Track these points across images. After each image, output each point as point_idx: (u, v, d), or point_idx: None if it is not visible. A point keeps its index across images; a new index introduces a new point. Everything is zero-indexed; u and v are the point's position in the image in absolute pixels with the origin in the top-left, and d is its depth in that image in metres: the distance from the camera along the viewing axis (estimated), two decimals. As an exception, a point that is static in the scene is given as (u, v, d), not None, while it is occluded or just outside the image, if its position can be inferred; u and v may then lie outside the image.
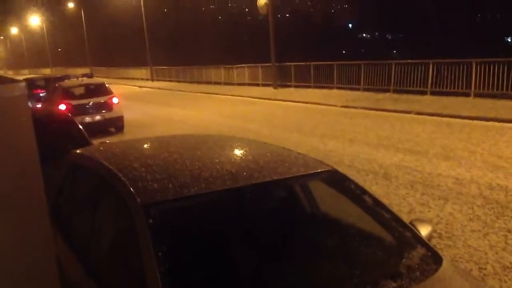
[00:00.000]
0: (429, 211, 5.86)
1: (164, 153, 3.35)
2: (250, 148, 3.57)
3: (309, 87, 22.77)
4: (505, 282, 4.17)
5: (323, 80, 22.25)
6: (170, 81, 38.17)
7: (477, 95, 15.50)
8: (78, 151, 3.80)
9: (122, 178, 2.75)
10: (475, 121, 12.26)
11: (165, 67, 40.93)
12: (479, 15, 55.98)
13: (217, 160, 3.09)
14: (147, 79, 41.57)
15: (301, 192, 3.36)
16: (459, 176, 7.29)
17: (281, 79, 24.65)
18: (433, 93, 16.91)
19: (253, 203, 2.91)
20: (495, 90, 15.18)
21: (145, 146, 3.90)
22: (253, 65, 28.17)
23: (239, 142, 3.81)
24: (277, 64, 24.84)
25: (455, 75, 16.41)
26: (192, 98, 24.93)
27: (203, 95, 26.25)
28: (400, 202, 6.24)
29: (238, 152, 3.47)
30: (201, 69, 34.57)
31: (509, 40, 63.09)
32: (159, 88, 33.78)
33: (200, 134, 4.48)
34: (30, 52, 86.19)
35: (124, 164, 3.00)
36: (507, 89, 14.87)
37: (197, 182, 2.68)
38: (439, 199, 6.29)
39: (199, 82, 33.42)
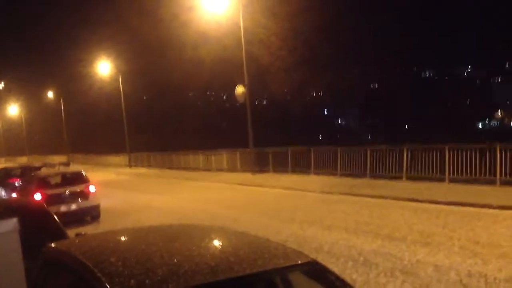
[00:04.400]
0: (410, 300, 5.79)
1: (141, 245, 3.31)
2: (230, 239, 3.56)
3: (286, 172, 22.96)
4: None
5: (300, 166, 22.49)
6: (148, 167, 38.17)
7: (452, 181, 15.78)
8: (53, 245, 3.73)
9: (98, 274, 2.70)
10: (451, 206, 12.40)
11: (144, 153, 41.09)
12: (449, 103, 58.16)
13: (196, 253, 3.07)
14: (125, 166, 41.51)
15: (281, 285, 3.32)
16: (438, 262, 7.28)
17: (259, 165, 24.84)
18: (408, 178, 17.17)
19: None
20: (468, 175, 15.50)
21: (122, 238, 3.85)
22: (231, 151, 28.48)
23: (218, 233, 3.79)
24: (255, 150, 25.13)
25: (429, 161, 16.77)
26: (171, 184, 24.85)
27: (182, 181, 26.20)
28: (381, 291, 6.17)
29: (217, 243, 3.45)
30: (180, 155, 34.78)
31: (480, 126, 65.32)
32: (137, 175, 33.66)
33: (178, 224, 4.45)
34: (7, 139, 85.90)
35: (100, 259, 2.96)
36: (480, 175, 15.21)
37: (176, 277, 2.64)
38: (420, 287, 6.23)
39: (177, 168, 33.47)
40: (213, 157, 30.12)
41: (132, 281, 2.61)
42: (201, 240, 3.53)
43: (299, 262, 3.07)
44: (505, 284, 6.14)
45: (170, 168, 34.62)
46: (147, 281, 2.58)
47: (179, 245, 3.26)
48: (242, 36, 24.27)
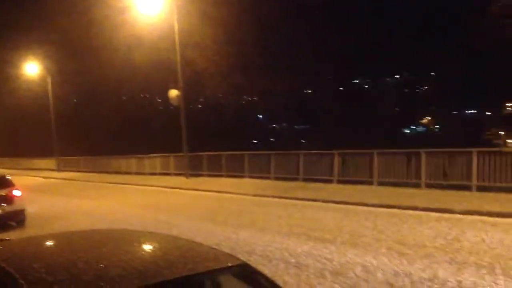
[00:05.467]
0: (339, 300, 5.94)
1: (67, 251, 3.21)
2: (159, 243, 3.52)
3: (221, 176, 22.97)
4: None
5: (235, 169, 22.57)
6: (78, 171, 37.03)
7: (380, 184, 16.35)
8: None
9: (21, 281, 2.59)
10: (379, 208, 12.85)
11: (73, 157, 39.86)
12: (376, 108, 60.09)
13: (124, 258, 3.00)
14: (54, 170, 40.08)
15: (211, 288, 3.32)
16: (366, 263, 7.51)
17: (194, 169, 24.70)
18: (339, 182, 17.63)
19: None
20: (396, 178, 16.12)
21: (48, 243, 3.72)
22: (165, 154, 28.15)
23: (147, 237, 3.74)
24: (189, 153, 24.97)
25: (359, 165, 17.31)
26: (102, 188, 24.23)
27: (114, 185, 25.62)
28: (311, 292, 6.29)
29: (146, 248, 3.40)
30: (111, 159, 34.00)
31: (407, 131, 68.03)
32: (66, 179, 32.59)
33: (106, 229, 4.35)
34: None
35: (23, 265, 2.85)
36: (407, 178, 15.86)
37: (102, 282, 2.57)
38: (348, 287, 6.40)
39: (109, 172, 32.66)
40: (146, 161, 29.66)
41: (56, 287, 2.52)
42: (129, 245, 3.46)
43: (230, 264, 3.08)
44: (428, 283, 6.42)
45: (101, 172, 33.74)
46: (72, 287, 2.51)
47: (106, 250, 3.18)
48: (177, 39, 24.09)
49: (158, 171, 28.05)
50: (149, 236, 3.84)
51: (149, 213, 14.74)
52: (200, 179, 23.49)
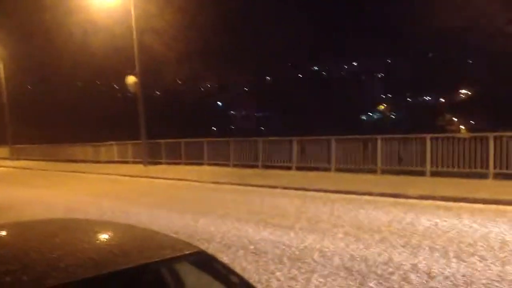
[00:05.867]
0: (296, 285, 6.01)
1: (19, 241, 3.13)
2: (115, 232, 3.46)
3: (180, 163, 22.84)
4: None
5: (194, 157, 22.48)
6: (33, 160, 36.09)
7: (338, 170, 16.61)
8: None
9: (-31, 272, 2.51)
10: (337, 194, 13.04)
11: (28, 145, 38.79)
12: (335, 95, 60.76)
13: (79, 247, 2.94)
14: (7, 158, 38.93)
15: (168, 276, 3.29)
16: (323, 248, 7.61)
17: (152, 156, 24.46)
18: (298, 169, 17.80)
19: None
20: (353, 165, 16.39)
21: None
22: (122, 142, 27.74)
23: (103, 226, 3.68)
24: (147, 141, 24.69)
25: (317, 152, 17.51)
26: (57, 177, 23.71)
27: (70, 174, 25.10)
28: (269, 278, 6.34)
29: (102, 237, 3.34)
30: (67, 147, 33.28)
31: (364, 118, 69.19)
32: (20, 168, 31.73)
33: (61, 219, 4.25)
34: None
35: (-28, 256, 2.75)
36: (363, 164, 16.15)
37: (55, 272, 2.51)
38: (306, 272, 6.48)
39: (65, 161, 31.97)
40: (102, 149, 29.17)
41: (8, 278, 2.45)
42: (84, 234, 3.40)
43: (186, 252, 3.06)
44: (383, 267, 6.56)
45: (57, 160, 32.99)
46: (24, 278, 2.44)
47: (60, 240, 3.11)
48: (133, 24, 23.68)
49: (115, 159, 27.63)
50: (105, 225, 3.79)
51: (106, 202, 14.51)
52: (159, 166, 23.28)
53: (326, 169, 17.02)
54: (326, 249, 7.56)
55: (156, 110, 47.02)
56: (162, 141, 24.75)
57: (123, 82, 26.39)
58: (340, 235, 8.44)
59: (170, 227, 9.60)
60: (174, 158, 23.49)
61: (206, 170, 20.47)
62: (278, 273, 6.52)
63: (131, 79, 24.53)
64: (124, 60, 31.45)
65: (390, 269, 6.45)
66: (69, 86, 61.45)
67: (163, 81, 54.29)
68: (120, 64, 35.48)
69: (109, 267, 2.66)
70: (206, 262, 3.13)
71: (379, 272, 6.35)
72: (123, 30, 27.33)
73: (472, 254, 7.00)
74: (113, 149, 28.29)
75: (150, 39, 33.51)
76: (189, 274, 3.22)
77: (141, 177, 20.68)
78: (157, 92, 63.22)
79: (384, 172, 15.72)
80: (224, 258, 6.96)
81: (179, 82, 62.67)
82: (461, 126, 46.08)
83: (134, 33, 23.77)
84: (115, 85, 61.43)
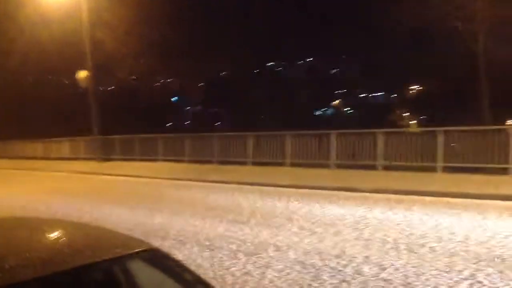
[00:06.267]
0: (251, 280, 6.03)
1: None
2: (66, 230, 3.39)
3: (134, 160, 22.53)
4: None
5: (148, 153, 22.22)
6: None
7: (293, 165, 16.75)
8: None
9: None
10: (292, 189, 13.16)
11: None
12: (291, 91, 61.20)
13: (26, 247, 2.86)
14: None
15: (121, 274, 3.25)
16: (278, 243, 7.68)
17: (105, 153, 24.04)
18: (254, 164, 17.87)
19: (68, 292, 2.73)
20: (308, 159, 16.58)
21: None
22: (74, 138, 27.14)
23: (52, 224, 3.59)
24: (100, 137, 24.23)
25: (272, 147, 17.61)
26: (5, 175, 22.95)
27: (18, 171, 24.34)
28: (224, 274, 6.34)
29: (51, 235, 3.26)
30: (15, 143, 32.25)
31: (319, 114, 70.04)
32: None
33: (8, 217, 4.12)
34: None
35: None
36: (318, 159, 16.35)
37: (0, 273, 2.44)
38: (261, 267, 6.52)
39: (12, 158, 30.89)
40: (53, 145, 28.45)
41: None
42: (33, 233, 3.31)
43: (138, 250, 3.03)
44: (336, 260, 6.67)
45: (5, 157, 31.91)
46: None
47: (5, 239, 3.02)
48: (85, 18, 23.19)
49: (67, 155, 27.01)
50: (55, 223, 3.70)
51: (57, 199, 14.16)
52: (112, 163, 22.90)
53: (281, 164, 17.15)
54: (281, 244, 7.62)
55: (109, 106, 46.14)
56: (116, 137, 24.35)
57: (74, 77, 25.81)
58: (295, 229, 8.52)
59: (124, 224, 9.47)
60: (129, 154, 23.15)
61: (161, 166, 20.27)
62: (233, 269, 6.53)
63: (82, 74, 24.03)
64: (77, 55, 30.70)
65: (343, 262, 6.56)
66: (19, 82, 59.49)
67: (117, 76, 53.25)
68: (72, 59, 34.57)
69: (58, 266, 2.60)
70: (159, 259, 3.11)
71: (332, 265, 6.46)
72: (75, 24, 26.67)
73: (422, 246, 7.20)
74: (65, 145, 27.66)
75: (103, 34, 32.77)
76: (142, 271, 3.18)
77: (94, 173, 20.28)
78: (111, 88, 62.04)
79: (338, 166, 15.97)
80: (179, 255, 6.92)
81: (134, 77, 61.65)
82: (412, 122, 47.24)
83: (85, 26, 23.29)
84: (66, 81, 59.91)
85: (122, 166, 21.59)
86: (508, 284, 5.57)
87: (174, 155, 21.03)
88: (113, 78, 54.30)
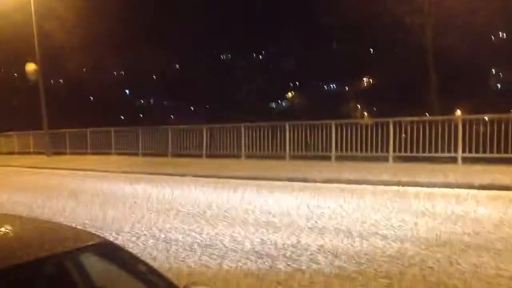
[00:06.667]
0: (207, 271, 6.03)
1: None
2: (14, 225, 3.29)
3: (86, 153, 22.10)
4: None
5: (101, 147, 21.84)
6: None
7: (248, 157, 16.81)
8: None
9: None
10: (247, 180, 13.20)
11: None
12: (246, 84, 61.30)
13: (-27, 242, 2.77)
14: None
15: (73, 268, 3.18)
16: (234, 234, 7.70)
17: (56, 147, 23.48)
18: (208, 156, 17.84)
19: (17, 287, 2.65)
20: (263, 151, 16.67)
21: None
22: (23, 133, 26.36)
23: (0, 219, 3.48)
24: (50, 131, 23.62)
25: (227, 139, 17.61)
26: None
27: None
28: (180, 265, 6.31)
29: (-1, 230, 3.16)
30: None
31: (273, 106, 70.41)
32: None
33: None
34: None
35: None
36: (273, 150, 16.46)
37: None
38: (217, 258, 6.53)
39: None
40: (1, 140, 27.54)
41: None
42: (-21, 228, 3.20)
43: (90, 243, 2.98)
44: (292, 249, 6.75)
45: None
46: None
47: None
48: (33, 10, 22.46)
49: (16, 150, 26.21)
50: (3, 218, 3.58)
51: (4, 194, 13.71)
52: (63, 157, 22.38)
53: (237, 156, 17.18)
54: (237, 235, 7.64)
55: (59, 99, 45.01)
56: (66, 130, 23.80)
57: (22, 69, 25.04)
58: (251, 220, 8.57)
59: (77, 219, 9.28)
60: (80, 148, 22.70)
61: (114, 159, 19.94)
62: (189, 260, 6.51)
63: (31, 67, 23.33)
64: (26, 47, 29.75)
65: (299, 251, 6.65)
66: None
67: (67, 69, 51.94)
68: (21, 52, 33.47)
69: (6, 261, 2.52)
70: (111, 252, 3.07)
71: (288, 254, 6.53)
72: (23, 16, 25.83)
73: (374, 234, 7.37)
74: (13, 140, 26.83)
75: (52, 26, 31.89)
76: (94, 265, 3.13)
77: (44, 168, 19.74)
78: (61, 81, 60.49)
79: (292, 158, 16.13)
80: (134, 248, 6.84)
81: (84, 70, 60.23)
82: (364, 113, 48.13)
83: (33, 18, 22.59)
84: (15, 73, 57.98)
85: (73, 160, 21.13)
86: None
87: (128, 149, 20.77)
88: (63, 71, 52.94)
